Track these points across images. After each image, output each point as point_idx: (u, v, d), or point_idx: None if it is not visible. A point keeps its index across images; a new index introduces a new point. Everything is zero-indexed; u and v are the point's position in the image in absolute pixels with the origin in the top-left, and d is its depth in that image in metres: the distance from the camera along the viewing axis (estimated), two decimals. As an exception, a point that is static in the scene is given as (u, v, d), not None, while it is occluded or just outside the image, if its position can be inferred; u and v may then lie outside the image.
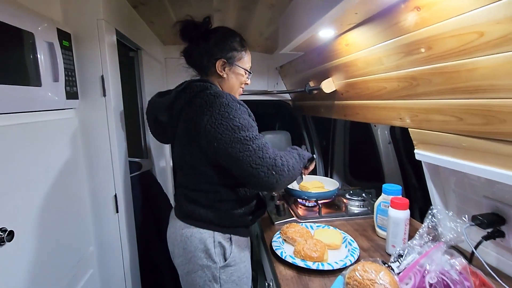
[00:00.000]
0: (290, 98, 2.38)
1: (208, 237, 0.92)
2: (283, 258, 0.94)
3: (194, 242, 0.92)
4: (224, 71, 0.98)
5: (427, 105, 0.87)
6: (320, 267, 0.88)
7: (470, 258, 0.85)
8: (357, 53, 1.10)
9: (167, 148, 2.17)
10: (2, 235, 0.62)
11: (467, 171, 0.80)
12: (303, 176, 1.01)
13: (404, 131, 1.64)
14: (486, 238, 0.83)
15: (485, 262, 0.78)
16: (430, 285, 0.70)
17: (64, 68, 0.91)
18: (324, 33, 1.12)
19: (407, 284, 0.74)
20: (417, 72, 0.85)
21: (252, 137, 0.81)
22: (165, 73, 2.16)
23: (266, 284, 1.04)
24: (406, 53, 0.85)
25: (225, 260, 0.93)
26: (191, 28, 0.99)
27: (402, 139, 1.66)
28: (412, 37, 0.79)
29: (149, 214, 1.41)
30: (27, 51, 0.78)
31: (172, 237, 1.00)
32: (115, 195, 1.09)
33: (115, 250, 1.13)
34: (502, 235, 0.83)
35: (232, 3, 1.32)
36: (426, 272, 0.72)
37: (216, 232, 0.93)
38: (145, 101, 1.66)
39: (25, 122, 0.78)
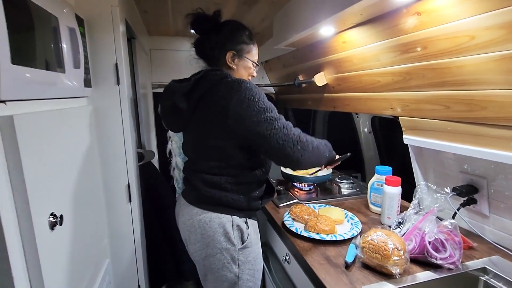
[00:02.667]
0: (274, 92, 2.49)
1: (227, 221, 0.97)
2: (298, 233, 1.04)
3: (213, 227, 0.97)
4: (234, 62, 1.04)
5: (418, 96, 1.03)
6: (333, 238, 1.00)
7: (451, 222, 1.03)
8: (353, 50, 1.23)
9: (154, 140, 2.14)
10: (55, 219, 0.62)
11: (453, 151, 0.98)
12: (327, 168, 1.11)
13: (383, 123, 1.86)
14: (463, 204, 1.02)
15: (461, 225, 0.96)
16: (429, 242, 0.86)
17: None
18: (325, 31, 1.23)
19: (409, 244, 0.89)
20: (411, 68, 1.00)
21: (277, 117, 0.90)
22: (150, 64, 2.12)
23: (282, 258, 1.13)
24: (402, 51, 1.00)
25: (243, 243, 0.98)
26: (202, 20, 1.03)
27: (380, 129, 1.87)
28: (410, 37, 0.94)
29: (151, 204, 1.41)
30: (53, 35, 0.76)
31: (188, 224, 1.02)
32: (128, 184, 1.10)
33: (128, 239, 1.13)
34: (475, 202, 1.02)
35: (234, -3, 1.36)
36: (424, 233, 0.88)
37: (234, 216, 0.98)
38: (138, 91, 1.63)
39: (54, 108, 0.77)
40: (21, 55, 0.59)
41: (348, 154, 1.14)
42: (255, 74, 1.12)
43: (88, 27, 0.97)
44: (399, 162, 1.72)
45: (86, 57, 0.94)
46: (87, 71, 0.94)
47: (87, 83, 0.95)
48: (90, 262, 0.91)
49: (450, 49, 0.83)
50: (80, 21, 0.92)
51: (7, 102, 0.54)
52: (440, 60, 0.88)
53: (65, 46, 0.81)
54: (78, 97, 0.93)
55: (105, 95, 1.02)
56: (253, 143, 0.92)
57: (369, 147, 1.88)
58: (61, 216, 0.65)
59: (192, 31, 1.06)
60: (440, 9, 0.80)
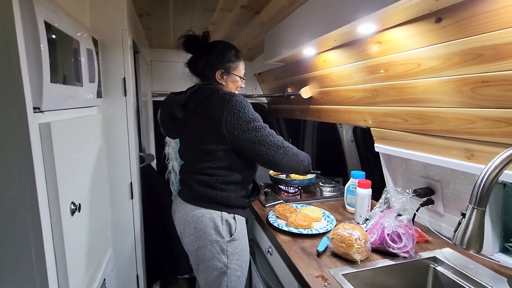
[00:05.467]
0: (266, 102, 2.66)
1: (217, 217, 1.11)
2: (280, 228, 1.19)
3: (204, 221, 1.11)
4: (223, 79, 1.19)
5: (384, 110, 1.20)
6: (310, 232, 1.15)
7: (412, 220, 1.19)
8: (332, 68, 1.41)
9: (152, 145, 2.29)
10: (75, 207, 0.77)
11: (411, 158, 1.14)
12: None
13: (364, 132, 2.03)
14: (422, 205, 1.18)
15: (421, 222, 1.12)
16: (388, 234, 1.01)
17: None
18: (307, 51, 1.41)
19: (372, 237, 1.04)
20: (378, 86, 1.17)
21: (263, 126, 1.08)
22: (150, 73, 2.28)
23: (265, 250, 1.27)
24: (370, 72, 1.17)
25: (231, 235, 1.12)
26: (193, 41, 1.19)
27: (361, 138, 2.04)
28: (375, 61, 1.11)
29: (150, 202, 1.55)
30: (75, 56, 0.92)
31: (183, 219, 1.16)
32: (131, 183, 1.24)
33: (129, 232, 1.27)
34: (432, 202, 1.18)
35: (229, 19, 1.54)
36: (384, 227, 1.03)
37: (223, 212, 1.12)
38: (140, 99, 1.78)
39: (74, 117, 0.92)
40: (55, 74, 0.74)
41: (319, 171, 1.44)
42: (243, 85, 1.27)
43: (101, 47, 1.13)
44: (378, 168, 1.88)
45: (99, 72, 1.09)
46: (99, 84, 1.10)
47: (99, 94, 1.11)
48: (97, 249, 1.04)
49: (404, 72, 1.00)
50: (95, 42, 1.08)
51: (44, 112, 0.69)
52: (398, 81, 1.05)
53: (83, 64, 0.97)
54: (92, 107, 1.08)
55: (114, 105, 1.17)
56: (241, 148, 1.08)
57: (351, 154, 2.04)
58: (79, 204, 0.80)
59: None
60: (394, 40, 0.97)
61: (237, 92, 1.25)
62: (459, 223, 0.65)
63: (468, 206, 0.65)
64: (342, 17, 1.00)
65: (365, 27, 0.97)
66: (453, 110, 0.90)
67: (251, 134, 1.05)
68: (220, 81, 1.19)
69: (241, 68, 1.23)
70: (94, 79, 1.02)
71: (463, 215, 0.65)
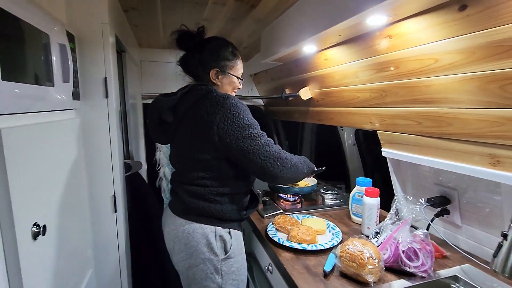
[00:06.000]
0: (263, 104, 2.55)
1: (210, 232, 0.99)
2: (280, 243, 1.07)
3: (196, 237, 0.99)
4: (218, 79, 1.07)
5: (393, 112, 1.09)
6: (314, 248, 1.03)
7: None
8: (335, 66, 1.30)
9: (142, 150, 2.16)
10: (38, 229, 0.64)
11: (424, 164, 1.03)
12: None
13: (366, 135, 1.93)
14: (437, 215, 1.07)
15: (435, 235, 1.01)
16: (403, 251, 0.90)
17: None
18: (308, 48, 1.30)
19: (384, 253, 0.93)
20: (386, 86, 1.06)
21: (260, 134, 0.95)
22: (140, 75, 2.16)
23: (265, 268, 1.15)
24: (378, 70, 1.07)
25: (226, 253, 1.00)
26: (186, 37, 1.07)
27: (364, 141, 1.94)
28: (384, 58, 1.00)
29: (138, 214, 1.42)
30: (43, 52, 0.80)
31: (172, 234, 1.04)
32: (114, 195, 1.11)
33: (112, 249, 1.14)
34: (447, 212, 1.08)
35: (222, 14, 1.43)
36: (399, 243, 0.92)
37: (217, 227, 1.00)
38: (128, 102, 1.66)
39: (41, 121, 0.79)
40: (12, 71, 0.62)
41: (323, 168, 1.22)
42: (240, 86, 1.16)
43: (79, 43, 1.00)
44: (382, 173, 1.78)
45: (75, 71, 0.97)
46: (76, 84, 0.97)
47: (76, 96, 0.98)
48: (73, 272, 0.91)
49: (418, 69, 0.90)
50: (71, 37, 0.96)
51: (-4, 117, 0.57)
52: (410, 79, 0.95)
53: (55, 61, 0.84)
54: (67, 110, 0.96)
55: (94, 108, 1.05)
56: (235, 157, 0.96)
57: (353, 158, 1.94)
58: (44, 226, 0.67)
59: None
60: (408, 33, 0.87)
61: (234, 94, 1.14)
62: (499, 246, 0.54)
63: (510, 225, 0.54)
64: (348, 8, 0.89)
65: (374, 18, 0.87)
66: (475, 111, 0.80)
67: (245, 142, 0.93)
68: (215, 81, 1.07)
69: (238, 67, 1.11)
70: (68, 79, 0.90)
71: (504, 236, 0.54)
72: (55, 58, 0.84)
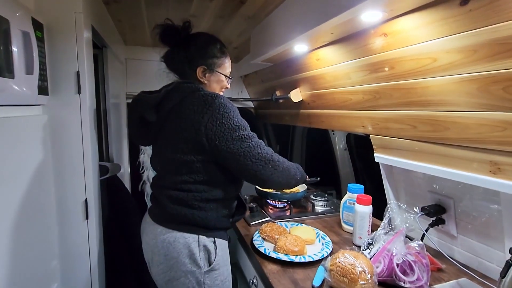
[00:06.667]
0: (253, 106, 2.48)
1: (193, 241, 0.91)
2: (267, 254, 0.99)
3: (177, 248, 0.90)
4: (205, 77, 1.00)
5: (387, 115, 1.04)
6: (302, 260, 0.96)
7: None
8: (326, 67, 1.24)
9: (125, 152, 2.05)
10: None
11: (419, 170, 0.98)
12: None
13: (358, 140, 1.88)
14: (432, 225, 1.02)
15: (429, 245, 0.95)
16: (397, 265, 0.83)
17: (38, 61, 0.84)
18: (299, 48, 1.24)
19: (377, 267, 0.86)
20: (380, 87, 1.01)
21: (251, 135, 0.90)
22: (125, 73, 2.06)
23: (250, 281, 1.07)
24: (371, 71, 1.01)
25: (210, 265, 0.92)
26: (171, 32, 1.00)
27: (355, 146, 1.89)
28: (378, 57, 0.95)
29: (115, 221, 1.32)
30: (2, 39, 0.70)
31: (151, 244, 0.95)
32: (86, 200, 1.02)
33: (82, 260, 1.03)
34: (443, 222, 1.02)
35: (210, 10, 1.36)
36: (393, 255, 0.86)
37: (201, 236, 0.92)
38: (108, 101, 1.56)
39: (-4, 116, 0.70)
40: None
41: (318, 178, 1.18)
42: (228, 86, 1.09)
43: (48, 33, 0.91)
44: (374, 179, 1.73)
45: (43, 63, 0.88)
46: (43, 77, 0.88)
47: (43, 90, 0.89)
48: (33, 287, 0.81)
49: (415, 70, 0.85)
50: (38, 26, 0.87)
51: None
52: (406, 81, 0.89)
53: (16, 51, 0.75)
54: (31, 105, 0.86)
55: (64, 104, 0.95)
56: (224, 160, 0.90)
57: (344, 163, 1.88)
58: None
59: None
60: (404, 31, 0.82)
61: (221, 93, 1.07)
62: (508, 265, 0.48)
63: (520, 241, 0.48)
64: (341, 3, 0.83)
65: (369, 14, 0.81)
66: (476, 115, 0.74)
67: (236, 144, 0.87)
68: (202, 80, 1.00)
69: (227, 65, 1.05)
70: (32, 71, 0.80)
71: (514, 253, 0.47)
72: (16, 47, 0.75)
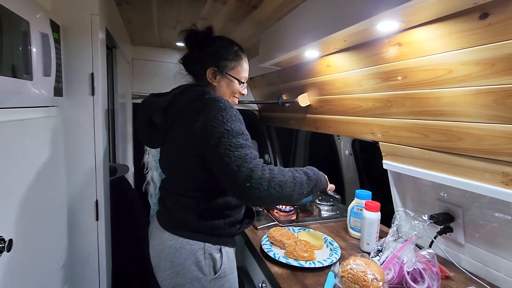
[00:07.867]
0: (257, 109, 2.49)
1: (199, 249, 0.90)
2: (276, 259, 0.99)
3: (183, 254, 0.89)
4: (215, 79, 0.98)
5: (398, 123, 1.05)
6: (312, 265, 0.96)
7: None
8: (337, 74, 1.25)
9: (130, 152, 2.05)
10: (2, 244, 0.55)
11: (429, 179, 0.99)
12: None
13: (363, 145, 1.89)
14: (440, 233, 1.03)
15: (437, 253, 0.96)
16: (408, 273, 0.84)
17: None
18: (309, 54, 1.25)
19: (388, 274, 0.87)
20: (392, 95, 1.02)
21: (238, 145, 0.79)
22: (131, 73, 2.06)
23: (258, 285, 1.07)
24: (384, 79, 1.02)
25: (215, 273, 0.91)
26: (195, 36, 1.00)
27: (360, 152, 1.90)
28: (391, 66, 0.96)
29: (123, 222, 1.32)
30: (22, 41, 0.71)
31: (158, 249, 0.94)
32: (96, 201, 1.02)
33: (91, 262, 1.03)
34: (451, 230, 1.03)
35: (222, 14, 1.36)
36: (403, 263, 0.86)
37: (207, 244, 0.91)
38: (116, 101, 1.56)
39: (15, 119, 0.70)
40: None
41: (338, 196, 1.12)
42: (243, 92, 1.04)
43: (65, 34, 0.91)
44: (379, 185, 1.74)
45: (59, 64, 0.88)
46: (59, 79, 0.88)
47: (58, 92, 0.89)
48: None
49: (429, 80, 0.85)
50: (55, 27, 0.87)
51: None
52: (419, 90, 0.90)
53: (35, 52, 0.75)
54: (47, 107, 0.86)
55: (78, 106, 0.95)
56: (211, 165, 0.84)
57: (349, 169, 1.89)
58: (10, 240, 0.57)
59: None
60: (420, 42, 0.82)
61: (234, 99, 1.04)
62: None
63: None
64: (357, 12, 0.84)
65: (386, 24, 0.82)
66: (490, 127, 0.75)
67: (217, 151, 0.78)
68: (212, 82, 0.98)
69: (240, 69, 1.01)
70: (50, 72, 0.81)
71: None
72: (35, 49, 0.75)
